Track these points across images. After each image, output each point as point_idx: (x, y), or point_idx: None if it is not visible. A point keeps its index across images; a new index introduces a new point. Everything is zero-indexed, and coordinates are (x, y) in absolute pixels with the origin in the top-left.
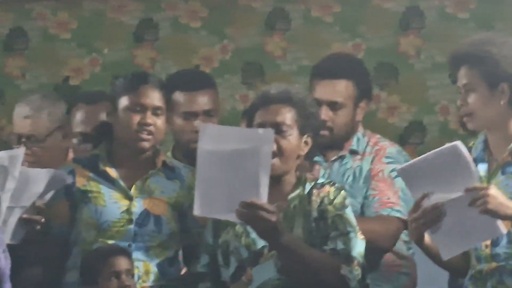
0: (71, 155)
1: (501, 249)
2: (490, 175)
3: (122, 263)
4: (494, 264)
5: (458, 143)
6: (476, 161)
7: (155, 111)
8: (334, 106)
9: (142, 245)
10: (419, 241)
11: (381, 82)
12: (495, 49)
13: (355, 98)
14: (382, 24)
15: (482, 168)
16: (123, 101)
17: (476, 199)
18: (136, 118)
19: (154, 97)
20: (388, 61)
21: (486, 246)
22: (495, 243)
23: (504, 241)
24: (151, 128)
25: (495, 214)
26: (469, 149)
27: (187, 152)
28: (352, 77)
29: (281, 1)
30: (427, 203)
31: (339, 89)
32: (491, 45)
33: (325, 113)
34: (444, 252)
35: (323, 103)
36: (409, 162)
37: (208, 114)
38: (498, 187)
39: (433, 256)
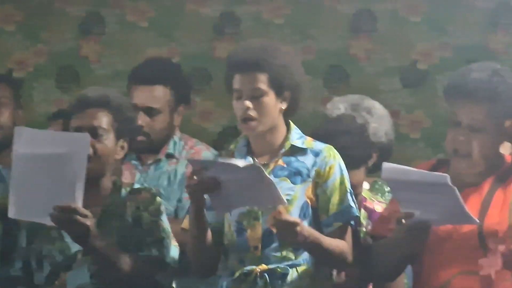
0: None
1: (270, 252)
2: None
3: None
4: (264, 266)
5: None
6: None
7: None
8: (151, 111)
9: None
10: (199, 206)
11: (332, 85)
12: (284, 57)
13: (172, 103)
14: (333, 26)
15: None
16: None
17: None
18: None
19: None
20: (339, 63)
21: (255, 248)
22: (265, 245)
23: (275, 244)
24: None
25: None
26: (231, 152)
27: None
28: (169, 82)
29: (97, 5)
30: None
31: (156, 94)
32: (281, 53)
33: (142, 119)
34: (220, 213)
35: (141, 108)
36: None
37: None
38: None
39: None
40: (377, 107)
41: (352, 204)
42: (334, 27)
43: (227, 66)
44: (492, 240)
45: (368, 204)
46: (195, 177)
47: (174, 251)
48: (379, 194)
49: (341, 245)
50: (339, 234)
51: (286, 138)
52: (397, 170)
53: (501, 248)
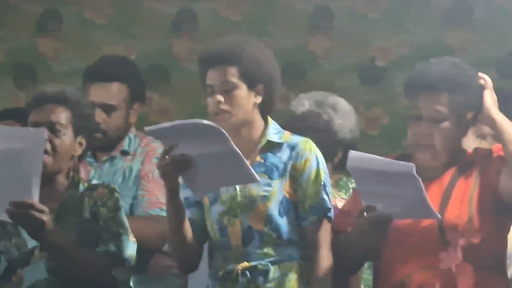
0: None
1: (252, 249)
2: None
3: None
4: (245, 264)
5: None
6: None
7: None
8: (107, 108)
9: None
10: (173, 189)
11: (289, 82)
12: (255, 49)
13: (128, 100)
14: (291, 23)
15: None
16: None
17: None
18: None
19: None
20: (296, 61)
21: (237, 246)
22: (246, 243)
23: (256, 241)
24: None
25: None
26: None
27: None
28: (125, 79)
29: (54, 2)
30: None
31: (112, 92)
32: (251, 46)
33: (99, 116)
34: (197, 194)
35: (97, 105)
36: (159, 126)
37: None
38: None
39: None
40: (342, 104)
41: (325, 197)
42: (291, 24)
43: (199, 64)
44: (452, 233)
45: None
46: (166, 157)
47: (131, 246)
48: (343, 191)
49: None
50: (315, 227)
51: (263, 133)
52: (363, 158)
53: (461, 241)
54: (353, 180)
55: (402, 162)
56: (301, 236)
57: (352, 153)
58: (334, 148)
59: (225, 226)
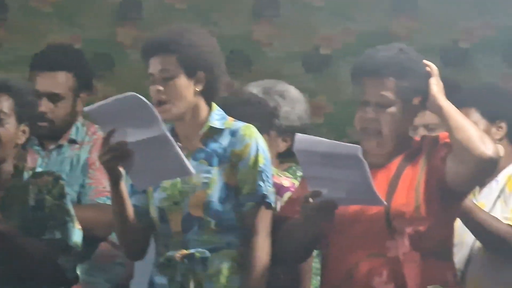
0: None
1: (192, 236)
2: None
3: None
4: (184, 251)
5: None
6: None
7: None
8: (54, 97)
9: None
10: (115, 178)
11: (234, 71)
12: (194, 37)
13: (75, 89)
14: (236, 11)
15: None
16: None
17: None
18: None
19: None
20: (241, 49)
21: (177, 233)
22: (186, 230)
23: (195, 228)
24: None
25: None
26: None
27: None
28: (72, 68)
29: None
30: (112, 141)
31: (59, 80)
32: (191, 34)
33: (45, 105)
34: (138, 185)
35: (44, 95)
36: (97, 104)
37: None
38: None
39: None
40: (291, 91)
41: (261, 183)
42: (236, 12)
43: (141, 53)
44: (399, 221)
45: (275, 179)
46: (106, 147)
47: (77, 234)
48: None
49: None
50: (253, 214)
51: (206, 120)
52: (309, 141)
53: (408, 229)
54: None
55: (348, 144)
56: (240, 222)
57: (299, 136)
58: (280, 135)
59: (166, 213)
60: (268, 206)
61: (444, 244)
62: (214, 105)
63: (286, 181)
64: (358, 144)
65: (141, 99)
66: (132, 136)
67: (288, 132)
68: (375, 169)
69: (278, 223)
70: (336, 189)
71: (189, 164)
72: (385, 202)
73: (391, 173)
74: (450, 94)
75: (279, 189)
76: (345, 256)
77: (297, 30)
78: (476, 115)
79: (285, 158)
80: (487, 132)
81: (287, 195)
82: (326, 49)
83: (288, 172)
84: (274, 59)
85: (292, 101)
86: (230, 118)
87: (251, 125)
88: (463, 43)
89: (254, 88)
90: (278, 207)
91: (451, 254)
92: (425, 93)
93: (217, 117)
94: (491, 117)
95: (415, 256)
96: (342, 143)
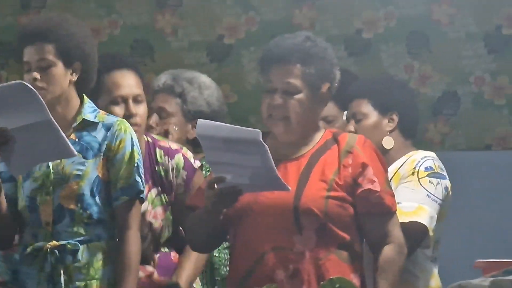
0: None
1: (62, 227)
2: None
3: None
4: (54, 243)
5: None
6: None
7: None
8: None
9: None
10: None
11: (137, 60)
12: (71, 27)
13: None
14: (138, 0)
15: None
16: None
17: None
18: None
19: None
20: (144, 38)
21: (47, 224)
22: (57, 221)
23: (66, 219)
24: None
25: None
26: None
27: None
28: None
29: None
30: None
31: None
32: (68, 23)
33: None
34: (14, 171)
35: None
36: None
37: None
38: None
39: None
40: (201, 79)
41: (138, 178)
42: (139, 2)
43: (17, 41)
44: (308, 216)
45: (163, 143)
46: None
47: None
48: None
49: None
50: (126, 208)
51: (79, 112)
52: (211, 126)
53: (316, 225)
54: None
55: (248, 128)
56: (111, 216)
57: (200, 121)
58: (189, 121)
59: (37, 203)
60: (141, 201)
61: (351, 245)
62: (85, 97)
63: (174, 144)
64: (268, 135)
65: (27, 86)
66: (16, 122)
67: (197, 118)
68: (286, 161)
69: (187, 212)
70: (240, 174)
71: (72, 147)
72: (289, 187)
73: (302, 167)
74: (346, 85)
75: (168, 152)
76: (252, 248)
77: (201, 19)
78: (368, 106)
79: (199, 146)
80: (379, 123)
81: (178, 156)
82: (230, 39)
83: (202, 162)
84: (177, 48)
85: (200, 87)
86: (102, 112)
87: (124, 120)
88: (366, 33)
89: (163, 76)
90: (169, 166)
91: (358, 255)
92: (333, 80)
93: (90, 110)
94: (383, 109)
95: (322, 252)
96: (242, 127)
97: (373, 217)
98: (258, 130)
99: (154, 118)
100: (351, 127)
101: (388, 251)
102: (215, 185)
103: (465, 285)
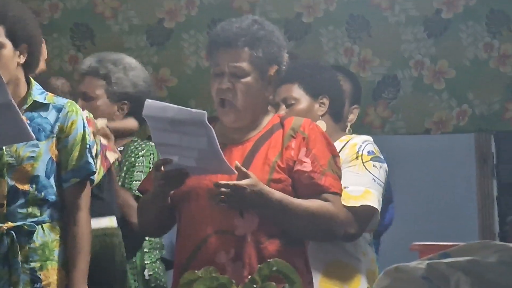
0: None
1: (17, 209)
2: None
3: None
4: (9, 224)
5: None
6: None
7: None
8: None
9: None
10: None
11: (76, 43)
12: (19, 9)
13: None
14: None
15: None
16: None
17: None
18: None
19: None
20: (84, 21)
21: (1, 205)
22: (11, 202)
23: (21, 201)
24: None
25: None
26: None
27: None
28: None
29: None
30: None
31: None
32: (14, 5)
33: None
34: None
35: None
36: None
37: None
38: None
39: None
40: (127, 60)
41: (90, 160)
42: None
43: None
44: None
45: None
46: None
47: None
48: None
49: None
50: (77, 190)
51: (28, 93)
52: (157, 106)
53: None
54: None
55: (194, 110)
56: (63, 197)
57: (148, 101)
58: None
59: None
60: (91, 182)
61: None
62: (31, 79)
63: (100, 121)
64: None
65: None
66: None
67: (123, 99)
68: (232, 145)
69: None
70: (186, 156)
71: (30, 129)
72: (235, 171)
73: (247, 150)
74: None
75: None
76: (195, 231)
77: (141, 3)
78: (299, 90)
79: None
80: (310, 108)
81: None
82: (170, 22)
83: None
84: (117, 32)
85: (125, 68)
86: (50, 94)
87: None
88: (306, 17)
89: (89, 58)
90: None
91: (302, 239)
92: (281, 63)
93: (39, 92)
94: (314, 93)
95: (262, 237)
96: (189, 109)
97: (308, 198)
98: (204, 111)
99: (80, 103)
100: (282, 112)
101: (327, 204)
102: (162, 167)
103: (401, 268)
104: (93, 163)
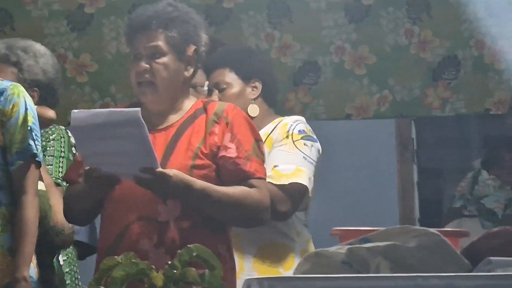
0: None
1: None
2: None
3: None
4: None
5: None
6: None
7: None
8: None
9: None
10: None
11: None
12: None
13: None
14: None
15: None
16: None
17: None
18: None
19: None
20: (4, 7)
21: None
22: None
23: None
24: None
25: None
26: None
27: None
28: None
29: None
30: None
31: None
32: None
33: None
34: None
35: None
36: None
37: None
38: None
39: None
40: (37, 47)
41: (31, 142)
42: None
43: None
44: None
45: None
46: None
47: None
48: None
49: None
50: (22, 172)
51: None
52: (85, 114)
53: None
54: None
55: (127, 109)
56: (9, 181)
57: (75, 112)
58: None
59: None
60: (38, 165)
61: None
62: None
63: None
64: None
65: None
66: None
67: (33, 86)
68: (154, 131)
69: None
70: (117, 164)
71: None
72: (158, 164)
73: (169, 136)
74: (209, 53)
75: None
76: (118, 218)
77: None
78: (231, 75)
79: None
80: (243, 91)
81: None
82: (90, 8)
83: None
84: (37, 17)
85: (35, 55)
86: None
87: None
88: (227, 3)
89: None
90: None
91: (225, 226)
92: (199, 42)
93: None
94: (246, 77)
95: (185, 223)
96: (121, 109)
97: (233, 184)
98: (137, 109)
99: None
100: (215, 97)
101: (252, 190)
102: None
103: (321, 253)
104: (33, 145)
